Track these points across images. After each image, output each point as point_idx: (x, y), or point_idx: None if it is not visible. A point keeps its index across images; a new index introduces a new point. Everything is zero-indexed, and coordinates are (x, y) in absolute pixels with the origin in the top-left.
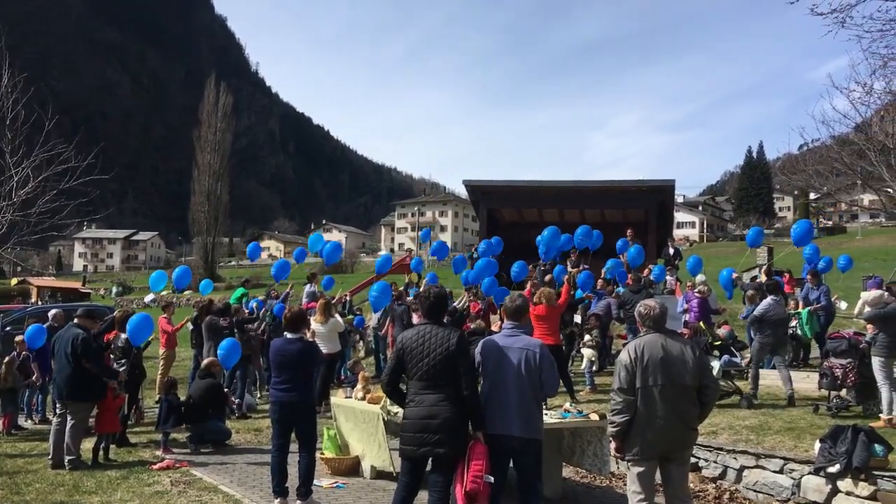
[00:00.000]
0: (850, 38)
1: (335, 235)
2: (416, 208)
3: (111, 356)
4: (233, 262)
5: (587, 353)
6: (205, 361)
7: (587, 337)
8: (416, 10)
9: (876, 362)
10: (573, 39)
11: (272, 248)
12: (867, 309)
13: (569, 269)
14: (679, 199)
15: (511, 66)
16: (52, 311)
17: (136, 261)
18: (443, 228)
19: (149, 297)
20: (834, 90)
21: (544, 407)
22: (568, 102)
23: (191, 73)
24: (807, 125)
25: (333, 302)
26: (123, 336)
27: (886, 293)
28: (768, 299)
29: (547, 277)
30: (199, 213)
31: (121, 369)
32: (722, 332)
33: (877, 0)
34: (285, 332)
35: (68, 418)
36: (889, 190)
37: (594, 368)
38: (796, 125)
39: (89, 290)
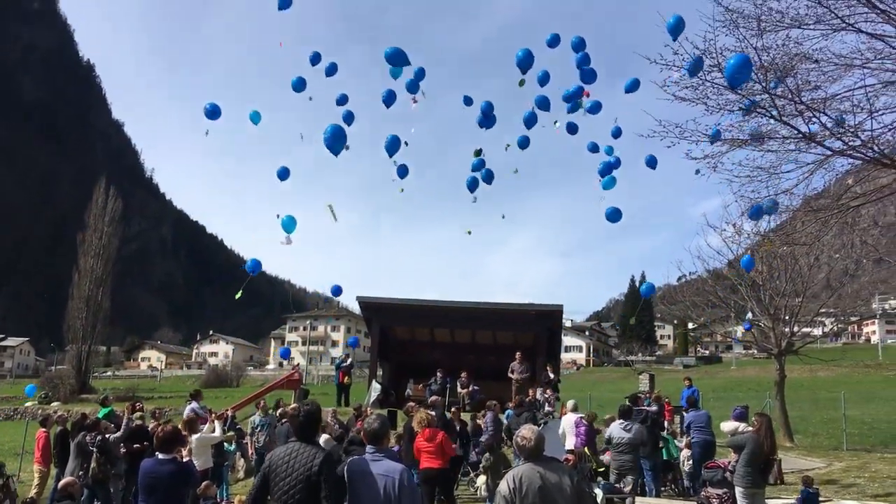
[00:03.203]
0: (722, 182)
1: (222, 347)
2: (307, 322)
3: None
4: (108, 373)
5: (480, 479)
6: (62, 482)
7: (482, 461)
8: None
9: (738, 492)
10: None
11: (153, 358)
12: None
13: (458, 389)
14: (567, 324)
15: (414, 184)
16: None
17: (1, 368)
18: (334, 343)
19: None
20: (709, 228)
21: None
22: (468, 222)
23: (82, 175)
24: (684, 259)
25: (218, 414)
26: None
27: (742, 424)
28: (614, 423)
29: (433, 398)
30: (77, 320)
31: None
32: (606, 458)
33: (744, 149)
34: (157, 453)
35: None
36: (759, 324)
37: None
38: (675, 258)
39: None
